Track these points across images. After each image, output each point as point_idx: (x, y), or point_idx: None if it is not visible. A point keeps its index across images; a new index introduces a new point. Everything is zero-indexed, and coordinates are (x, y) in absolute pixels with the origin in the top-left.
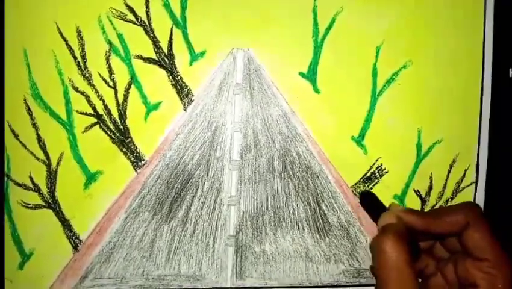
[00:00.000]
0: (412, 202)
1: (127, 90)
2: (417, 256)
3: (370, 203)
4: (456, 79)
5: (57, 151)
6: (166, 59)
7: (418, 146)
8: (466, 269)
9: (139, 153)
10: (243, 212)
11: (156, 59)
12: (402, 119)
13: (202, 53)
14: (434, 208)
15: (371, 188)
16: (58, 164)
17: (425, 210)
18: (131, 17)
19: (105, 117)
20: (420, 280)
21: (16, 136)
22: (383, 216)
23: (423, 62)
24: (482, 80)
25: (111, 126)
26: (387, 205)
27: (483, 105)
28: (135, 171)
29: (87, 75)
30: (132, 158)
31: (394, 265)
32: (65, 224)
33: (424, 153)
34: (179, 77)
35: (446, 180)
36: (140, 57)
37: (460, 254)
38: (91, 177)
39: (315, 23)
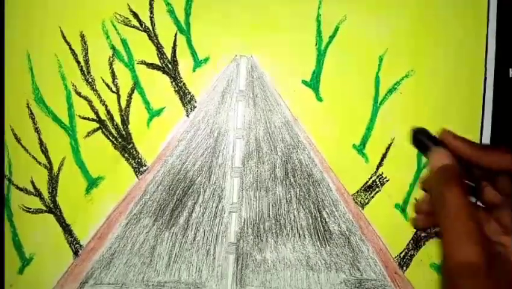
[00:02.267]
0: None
1: (130, 96)
2: (479, 196)
3: (421, 139)
4: (457, 88)
5: (59, 156)
6: (169, 65)
7: (419, 155)
8: None
9: (141, 159)
10: (244, 219)
11: (160, 65)
12: (403, 128)
13: (206, 60)
14: None
15: (372, 197)
16: (59, 169)
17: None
18: (135, 22)
19: (108, 122)
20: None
21: (18, 140)
22: (435, 153)
23: (424, 72)
24: (484, 88)
25: (113, 131)
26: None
27: (485, 114)
28: (137, 177)
29: (90, 80)
30: (134, 164)
31: (458, 216)
32: (66, 229)
33: (425, 162)
34: (182, 83)
35: None
36: (143, 63)
37: None
38: (92, 183)
39: (319, 32)
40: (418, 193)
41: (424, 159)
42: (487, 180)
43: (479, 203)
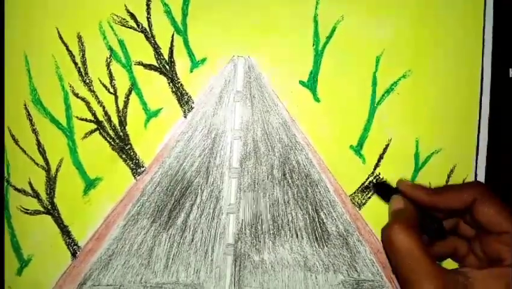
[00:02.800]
0: None
1: (127, 97)
2: (443, 235)
3: (382, 190)
4: (455, 89)
5: (57, 157)
6: (167, 66)
7: (416, 156)
8: (489, 244)
9: (138, 160)
10: (242, 220)
11: (157, 65)
12: (401, 129)
13: (203, 60)
14: None
15: (369, 198)
16: (57, 170)
17: None
18: (132, 23)
19: (105, 124)
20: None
21: (16, 141)
22: (392, 201)
23: (422, 72)
24: (481, 89)
25: (110, 132)
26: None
27: (482, 114)
28: (135, 178)
29: (87, 81)
30: (132, 165)
31: (405, 252)
32: (64, 230)
33: (422, 163)
34: (179, 84)
35: None
36: (140, 63)
37: (482, 230)
38: (90, 184)
39: (316, 32)
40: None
41: (421, 160)
42: (458, 217)
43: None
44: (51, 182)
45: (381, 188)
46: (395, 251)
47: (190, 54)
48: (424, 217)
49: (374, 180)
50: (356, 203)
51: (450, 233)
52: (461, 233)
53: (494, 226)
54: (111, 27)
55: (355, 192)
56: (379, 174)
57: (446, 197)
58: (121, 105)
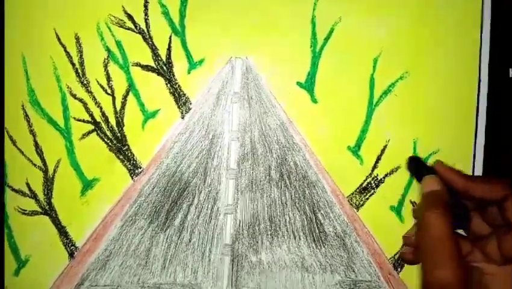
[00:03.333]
0: (409, 213)
1: (125, 98)
2: (467, 220)
3: (416, 168)
4: (452, 90)
5: (54, 158)
6: (164, 67)
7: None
8: (510, 243)
9: (136, 161)
10: (240, 221)
11: (155, 67)
12: (398, 130)
13: (201, 62)
14: None
15: (367, 199)
16: (55, 171)
17: None
18: (129, 24)
19: (103, 124)
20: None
21: (14, 142)
22: (426, 180)
23: (419, 74)
24: (478, 89)
25: (108, 133)
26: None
27: (480, 114)
28: (132, 179)
29: (85, 82)
30: (129, 166)
31: (439, 238)
32: (62, 231)
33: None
34: (177, 85)
35: None
36: (138, 64)
37: (503, 228)
38: (87, 185)
39: (314, 34)
40: (413, 195)
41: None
42: (477, 211)
43: (462, 233)
44: (49, 183)
45: (417, 164)
46: (429, 236)
47: (188, 55)
48: (456, 205)
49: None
50: (353, 204)
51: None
52: (472, 228)
53: None
54: (109, 28)
55: (352, 194)
56: (377, 175)
57: (481, 186)
58: (118, 106)
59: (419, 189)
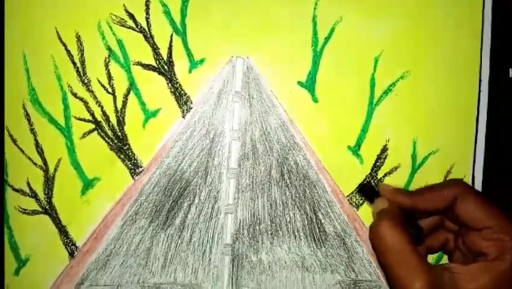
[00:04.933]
0: None
1: (126, 97)
2: (421, 238)
3: (367, 193)
4: (453, 90)
5: (55, 157)
6: (165, 66)
7: (414, 157)
8: (471, 240)
9: (137, 160)
10: (240, 220)
11: (156, 66)
12: (398, 129)
13: (202, 61)
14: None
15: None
16: (55, 170)
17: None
18: (130, 23)
19: (104, 124)
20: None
21: (14, 141)
22: (376, 202)
23: (420, 73)
24: (479, 89)
25: (109, 132)
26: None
27: (480, 114)
28: (133, 178)
29: (86, 81)
30: (130, 165)
31: (394, 248)
32: (62, 230)
33: (419, 163)
34: (178, 84)
35: None
36: (139, 64)
37: (463, 228)
38: (88, 184)
39: (315, 33)
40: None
41: (418, 160)
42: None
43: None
44: (49, 182)
45: (366, 190)
46: (384, 247)
47: (189, 54)
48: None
49: (365, 182)
50: (353, 204)
51: (436, 229)
52: (448, 228)
53: (475, 222)
54: (110, 27)
55: (352, 193)
56: (377, 174)
57: (427, 198)
58: (119, 105)
59: (372, 213)
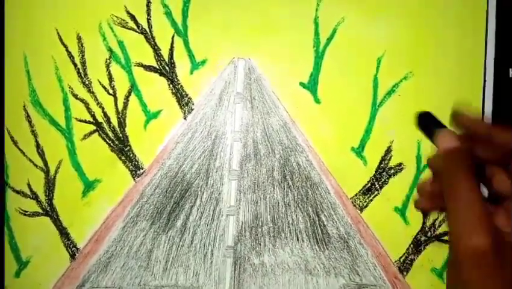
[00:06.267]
0: (413, 215)
1: (127, 98)
2: (483, 178)
3: (425, 124)
4: (456, 90)
5: (56, 158)
6: (167, 68)
7: (418, 158)
8: None
9: (138, 162)
10: (242, 222)
11: (157, 67)
12: (402, 130)
13: (203, 62)
14: (436, 219)
15: (371, 200)
16: (56, 172)
17: (427, 223)
18: (132, 24)
19: (104, 125)
20: None
21: (15, 143)
22: (441, 135)
23: (423, 74)
24: (483, 89)
25: (110, 134)
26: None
27: (485, 114)
28: (134, 179)
29: (87, 82)
30: (131, 167)
31: (469, 205)
32: (63, 232)
33: (424, 164)
34: (179, 85)
35: None
36: (140, 65)
37: None
38: (89, 185)
39: (317, 34)
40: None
41: (423, 161)
42: (499, 165)
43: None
44: (50, 184)
45: (427, 120)
46: (459, 201)
47: (190, 55)
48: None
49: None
50: (357, 206)
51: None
52: (494, 187)
53: None
54: (111, 28)
55: (356, 195)
56: (381, 176)
57: (505, 133)
58: (120, 106)
59: (433, 146)
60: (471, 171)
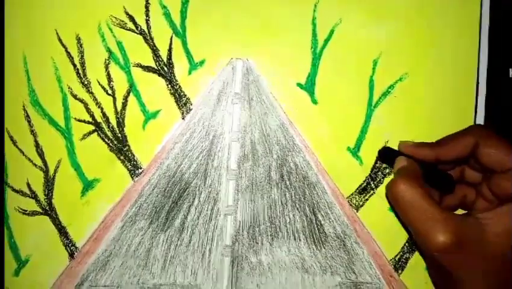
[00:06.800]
0: None
1: (125, 98)
2: (453, 186)
3: (386, 157)
4: (452, 91)
5: (55, 158)
6: (165, 68)
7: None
8: (497, 184)
9: (136, 162)
10: (240, 222)
11: (156, 67)
12: (398, 131)
13: (201, 63)
14: None
15: (366, 200)
16: (55, 171)
17: None
18: (130, 25)
19: (103, 125)
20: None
21: (14, 142)
22: (396, 162)
23: (419, 75)
24: (476, 90)
25: (109, 133)
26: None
27: (478, 115)
28: (132, 179)
29: (86, 83)
30: (130, 166)
31: (412, 204)
32: (62, 231)
33: None
34: (178, 86)
35: None
36: (139, 65)
37: (489, 172)
38: (88, 185)
39: (314, 35)
40: None
41: None
42: (464, 165)
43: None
44: (49, 183)
45: (386, 154)
46: (402, 205)
47: (189, 56)
48: (432, 173)
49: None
50: (353, 205)
51: (457, 183)
52: (467, 180)
53: (499, 165)
54: (110, 29)
55: (352, 194)
56: (376, 176)
57: (449, 147)
58: (119, 106)
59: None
60: (414, 180)
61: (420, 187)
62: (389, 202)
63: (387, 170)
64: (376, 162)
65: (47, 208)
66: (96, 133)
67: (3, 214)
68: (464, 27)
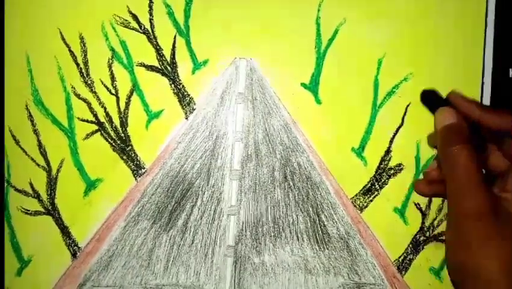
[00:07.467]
0: (413, 215)
1: (129, 98)
2: (484, 153)
3: (429, 101)
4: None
5: (58, 158)
6: (169, 68)
7: (417, 159)
8: None
9: (139, 161)
10: (243, 222)
11: (159, 67)
12: (402, 131)
13: (205, 62)
14: (434, 219)
15: (371, 201)
16: (58, 171)
17: (426, 223)
18: (134, 24)
19: (106, 125)
20: None
21: (17, 142)
22: (440, 112)
23: (423, 75)
24: (481, 90)
25: (112, 133)
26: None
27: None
28: (135, 179)
29: (89, 82)
30: (133, 166)
31: (466, 173)
32: (65, 231)
33: (423, 165)
34: (181, 85)
35: None
36: (142, 65)
37: None
38: (91, 185)
39: (318, 34)
40: (417, 197)
41: (422, 162)
42: (494, 143)
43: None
44: (52, 183)
45: (429, 98)
46: (456, 169)
47: (192, 56)
48: (473, 132)
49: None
50: (357, 206)
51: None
52: (491, 163)
53: None
54: (113, 28)
55: (356, 195)
56: (381, 177)
57: (498, 116)
58: (122, 106)
59: (434, 121)
60: (467, 144)
61: (475, 156)
62: (443, 160)
63: (392, 171)
64: (380, 163)
65: (49, 207)
66: (99, 133)
67: (5, 214)
68: (467, 26)
